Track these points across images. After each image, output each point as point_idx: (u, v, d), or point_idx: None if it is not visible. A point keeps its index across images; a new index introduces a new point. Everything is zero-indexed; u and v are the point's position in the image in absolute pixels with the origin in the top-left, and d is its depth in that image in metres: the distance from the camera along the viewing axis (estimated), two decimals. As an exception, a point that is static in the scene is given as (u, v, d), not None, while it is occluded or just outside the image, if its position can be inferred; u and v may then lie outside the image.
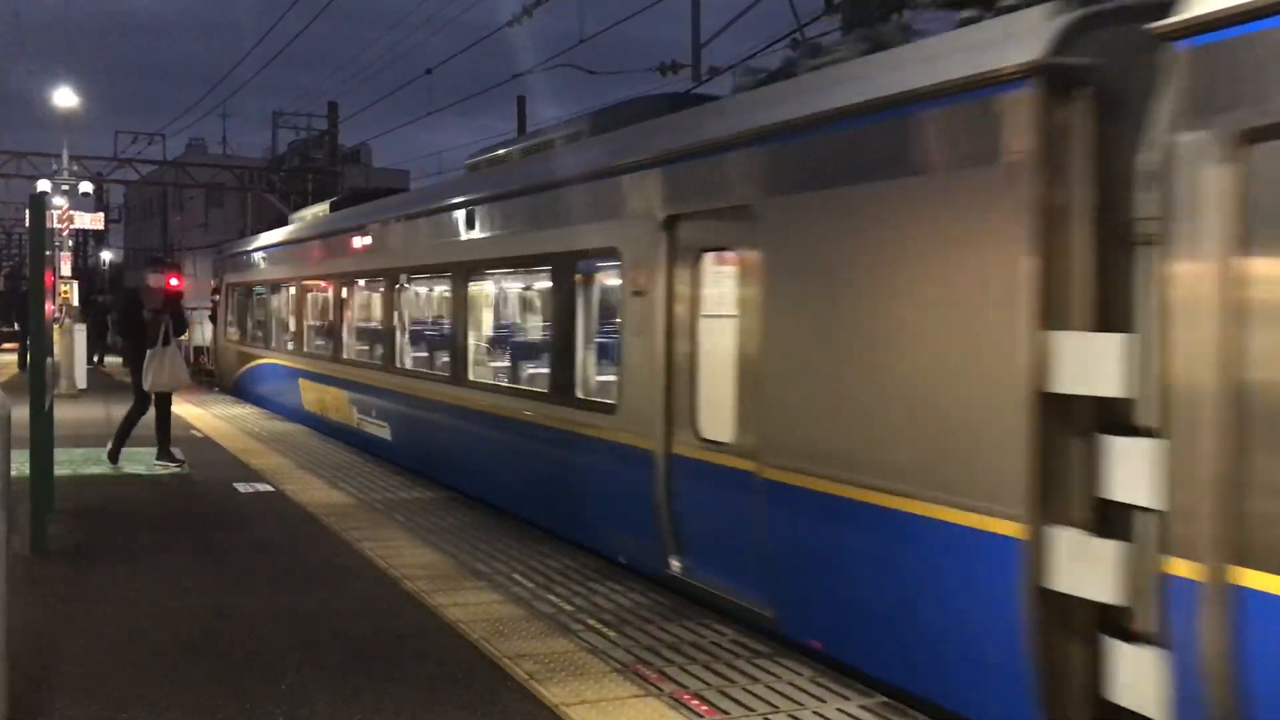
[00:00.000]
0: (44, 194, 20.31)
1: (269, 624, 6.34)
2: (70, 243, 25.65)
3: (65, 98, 26.84)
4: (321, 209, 18.70)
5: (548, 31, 22.91)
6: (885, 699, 5.22)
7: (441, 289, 12.05)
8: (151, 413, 12.04)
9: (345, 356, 14.77)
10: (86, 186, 32.50)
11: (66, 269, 24.19)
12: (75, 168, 30.88)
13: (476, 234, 10.62)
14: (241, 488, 10.91)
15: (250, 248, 21.87)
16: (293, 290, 17.89)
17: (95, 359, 29.85)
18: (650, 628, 6.33)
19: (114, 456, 11.99)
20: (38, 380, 8.31)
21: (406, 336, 12.96)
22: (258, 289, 20.78)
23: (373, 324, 14.78)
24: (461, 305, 10.82)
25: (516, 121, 39.86)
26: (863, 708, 5.13)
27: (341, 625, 6.35)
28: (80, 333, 22.93)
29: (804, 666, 5.67)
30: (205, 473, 11.76)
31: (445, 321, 11.69)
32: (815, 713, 5.06)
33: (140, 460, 12.23)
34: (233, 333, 22.97)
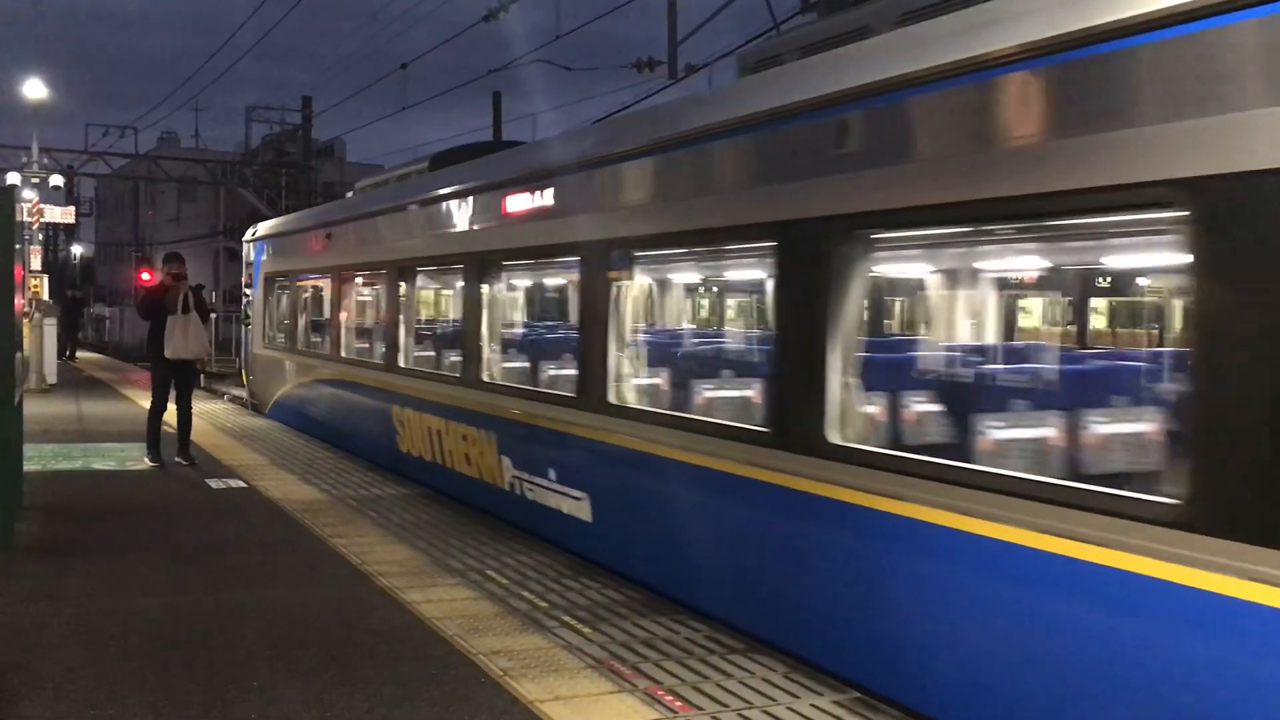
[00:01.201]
0: (13, 187, 20.06)
1: (240, 621, 6.30)
2: (40, 236, 25.32)
3: (35, 89, 26.53)
4: (420, 168, 14.26)
5: (524, 27, 22.83)
6: (858, 694, 5.24)
7: (728, 273, 9.52)
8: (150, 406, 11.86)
9: (491, 378, 9.65)
10: (57, 180, 32.20)
11: (36, 263, 23.90)
12: (45, 160, 30.57)
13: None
14: (214, 484, 10.84)
15: (305, 225, 16.38)
16: (381, 280, 13.03)
17: (66, 354, 29.58)
18: (624, 624, 6.33)
19: (154, 456, 11.80)
20: (6, 375, 8.21)
21: (637, 351, 8.11)
22: (313, 279, 15.84)
23: (547, 331, 12.13)
24: (808, 301, 5.76)
25: (492, 117, 39.76)
26: (836, 703, 5.14)
27: (314, 622, 6.32)
28: (51, 327, 22.70)
29: (777, 663, 5.68)
30: (177, 469, 11.66)
31: (745, 329, 9.02)
32: (789, 708, 5.07)
33: (111, 456, 12.12)
34: (276, 339, 17.57)
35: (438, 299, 16.66)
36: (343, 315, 13.94)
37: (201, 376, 32.23)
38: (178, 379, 11.83)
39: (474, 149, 12.81)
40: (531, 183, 8.95)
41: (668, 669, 5.57)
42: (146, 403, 12.17)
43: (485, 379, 9.62)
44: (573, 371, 8.54)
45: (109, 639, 5.95)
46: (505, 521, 9.00)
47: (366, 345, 14.00)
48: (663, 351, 9.33)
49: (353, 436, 13.25)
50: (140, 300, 12.33)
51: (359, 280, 14.17)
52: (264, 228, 19.21)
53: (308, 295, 16.57)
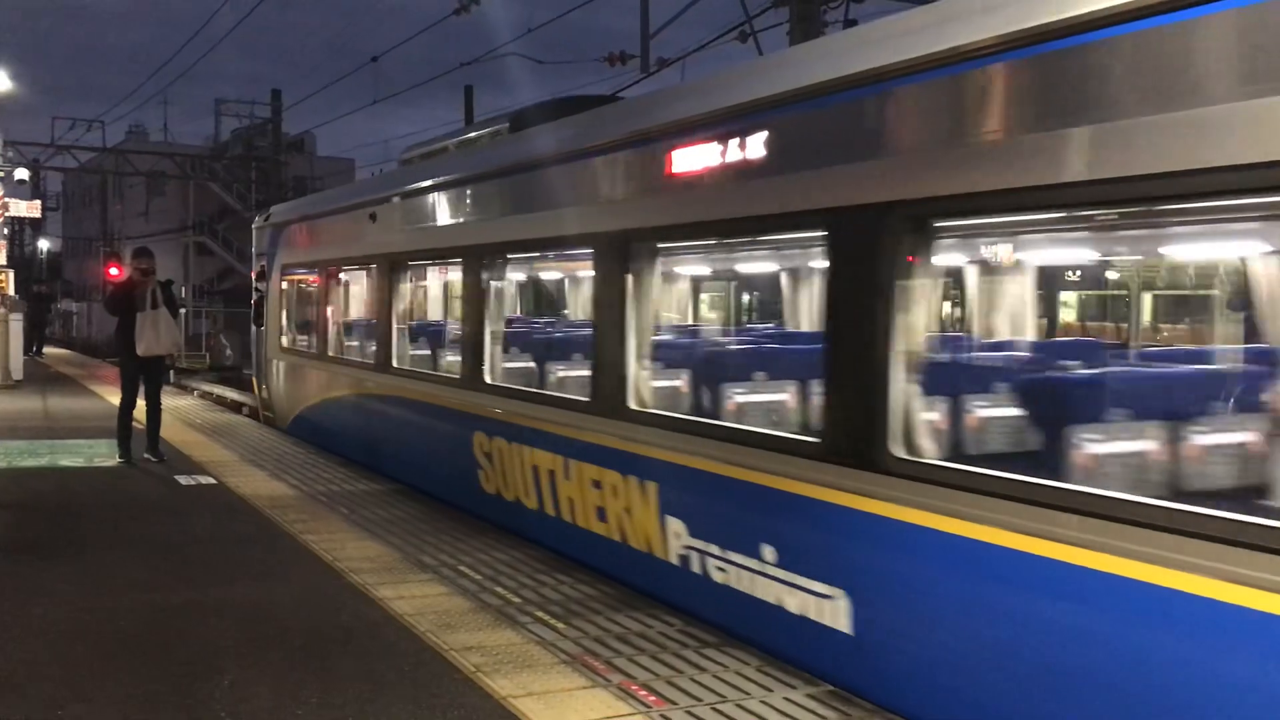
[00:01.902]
0: (-22, 181, 19.84)
1: (210, 618, 6.24)
2: (6, 231, 25.02)
3: (-1, 82, 26.19)
4: (495, 130, 10.49)
5: (496, 20, 22.75)
6: (831, 688, 5.25)
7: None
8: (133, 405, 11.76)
9: (642, 405, 6.99)
10: (22, 173, 31.84)
11: (2, 258, 23.63)
12: (10, 154, 30.23)
13: None
14: (183, 480, 10.74)
15: (338, 205, 13.45)
16: (452, 271, 11.48)
17: (33, 350, 29.27)
18: (598, 619, 6.32)
19: (124, 453, 11.64)
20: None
21: (958, 370, 6.80)
22: (351, 271, 13.37)
23: (756, 341, 9.65)
24: None
25: (464, 111, 39.62)
26: (809, 696, 5.15)
27: (284, 619, 6.27)
28: (17, 323, 22.44)
29: (751, 656, 5.68)
30: (146, 465, 11.55)
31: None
32: (762, 701, 5.07)
33: (79, 452, 11.99)
34: (298, 342, 15.01)
35: (541, 295, 14.66)
36: (395, 315, 11.12)
37: (171, 373, 32.07)
38: (147, 375, 11.71)
39: (577, 103, 9.66)
40: (732, 126, 6.04)
41: (642, 664, 5.56)
42: (115, 398, 12.06)
43: (634, 406, 6.93)
44: (803, 401, 6.69)
45: (76, 637, 5.88)
46: (668, 603, 6.53)
47: (430, 353, 11.56)
48: (1001, 373, 6.54)
49: (408, 465, 10.75)
50: (108, 296, 12.21)
51: (418, 271, 11.92)
52: (281, 211, 16.27)
53: (343, 290, 13.82)
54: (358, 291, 13.78)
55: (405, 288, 11.51)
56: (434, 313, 13.83)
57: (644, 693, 5.15)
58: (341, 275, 13.54)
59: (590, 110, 8.59)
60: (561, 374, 9.10)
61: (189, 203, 56.92)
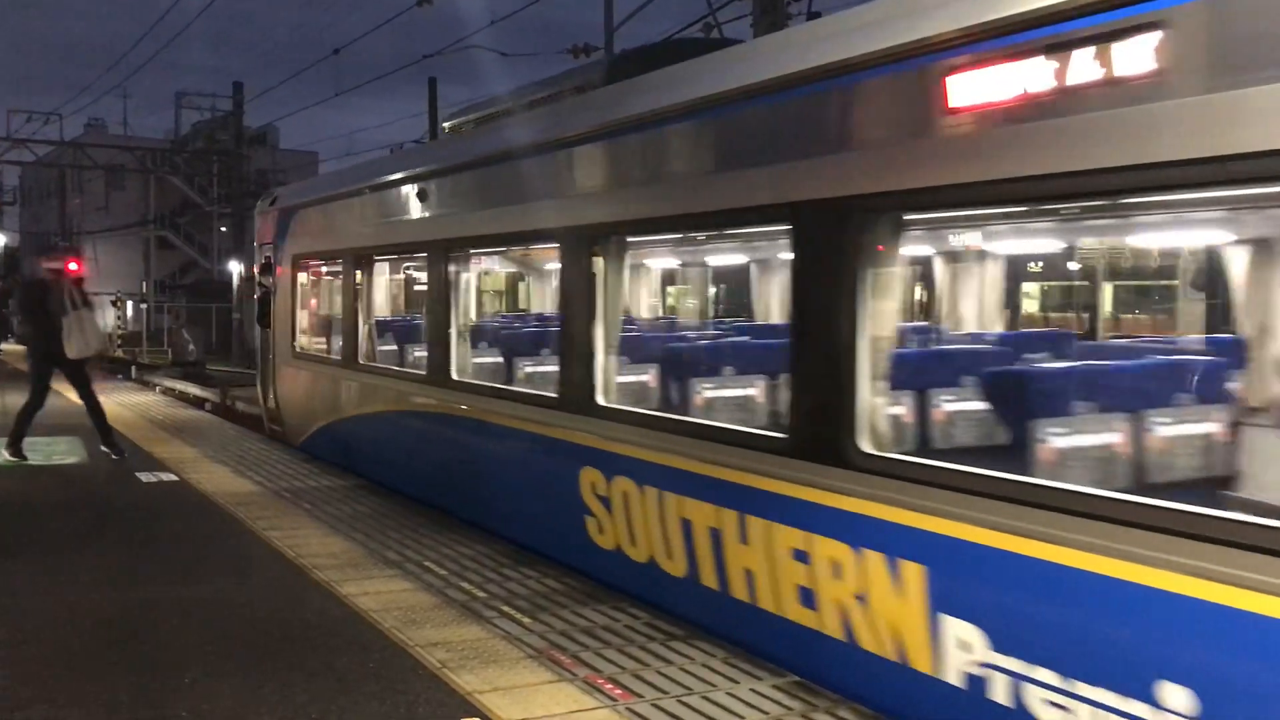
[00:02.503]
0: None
1: (173, 616, 6.18)
2: (-39, 226, 24.65)
3: (-46, 75, 25.78)
4: (582, 82, 8.48)
5: (460, 12, 22.63)
6: (798, 679, 5.26)
7: None
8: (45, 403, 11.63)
9: (878, 448, 4.99)
10: (-22, 167, 31.33)
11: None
12: (-35, 148, 29.74)
13: None
14: (145, 477, 10.62)
15: (371, 182, 10.98)
16: (540, 259, 10.40)
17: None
18: (564, 613, 6.30)
19: (15, 449, 11.52)
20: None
21: None
22: (387, 260, 11.84)
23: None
24: None
25: (428, 103, 39.36)
26: (775, 688, 5.16)
27: (248, 616, 6.21)
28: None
29: (717, 648, 5.69)
30: (106, 462, 11.42)
31: None
32: (729, 693, 5.08)
33: (38, 450, 11.83)
34: (317, 346, 13.26)
35: (693, 288, 11.97)
36: (455, 314, 9.11)
37: (134, 369, 31.70)
38: (74, 377, 11.57)
39: (697, 45, 8.13)
40: None
41: (608, 657, 5.56)
42: (73, 394, 11.91)
43: (871, 450, 4.95)
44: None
45: (37, 637, 5.80)
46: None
47: (504, 362, 9.48)
48: None
49: (473, 501, 8.70)
50: (20, 300, 12.14)
51: (483, 260, 10.37)
52: (290, 192, 14.20)
53: (378, 283, 11.95)
54: (397, 284, 12.69)
55: (466, 280, 9.46)
56: (507, 311, 12.23)
57: (610, 686, 5.15)
58: (375, 266, 11.45)
59: (721, 52, 6.79)
60: (722, 397, 6.97)
61: (150, 197, 56.32)
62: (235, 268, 43.81)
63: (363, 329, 11.22)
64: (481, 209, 8.71)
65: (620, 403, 7.05)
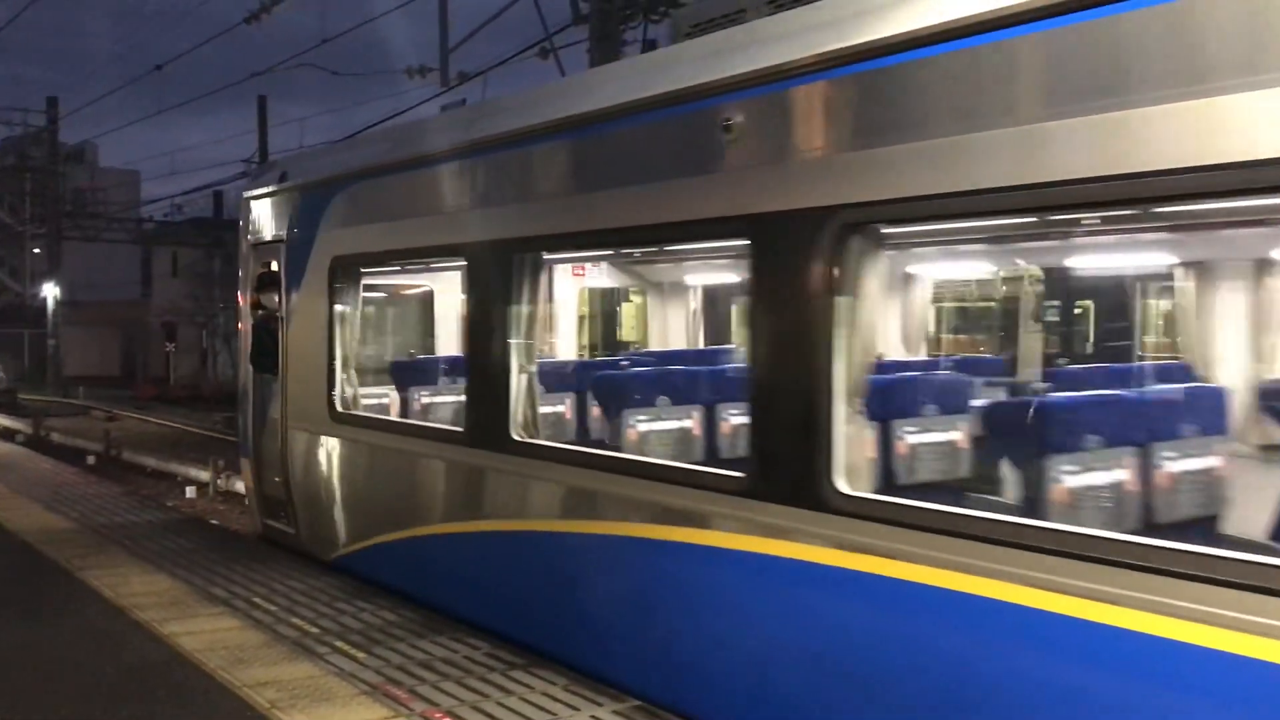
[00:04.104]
0: None
1: (-26, 667, 5.78)
2: None
3: None
4: None
5: (290, 29, 22.13)
6: (638, 703, 5.26)
7: None
8: None
9: None
10: None
11: None
12: None
13: None
14: (-55, 516, 9.95)
15: (554, 117, 6.07)
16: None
17: None
18: (401, 645, 6.15)
19: None
20: None
21: None
22: (592, 254, 8.67)
23: None
24: None
25: (258, 121, 38.31)
26: (616, 713, 5.14)
27: (64, 661, 5.86)
28: None
29: (559, 676, 5.64)
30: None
31: None
32: (569, 722, 5.04)
33: None
34: (379, 403, 9.03)
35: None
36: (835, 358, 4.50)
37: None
38: None
39: None
40: None
41: (446, 690, 5.44)
42: None
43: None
44: None
45: None
46: None
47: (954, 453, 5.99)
48: None
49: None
50: None
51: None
52: (330, 159, 9.36)
53: (563, 302, 9.30)
54: (597, 302, 9.04)
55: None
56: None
57: (448, 719, 5.05)
58: (555, 272, 8.44)
59: None
60: None
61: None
62: (50, 290, 41.63)
63: (519, 379, 6.24)
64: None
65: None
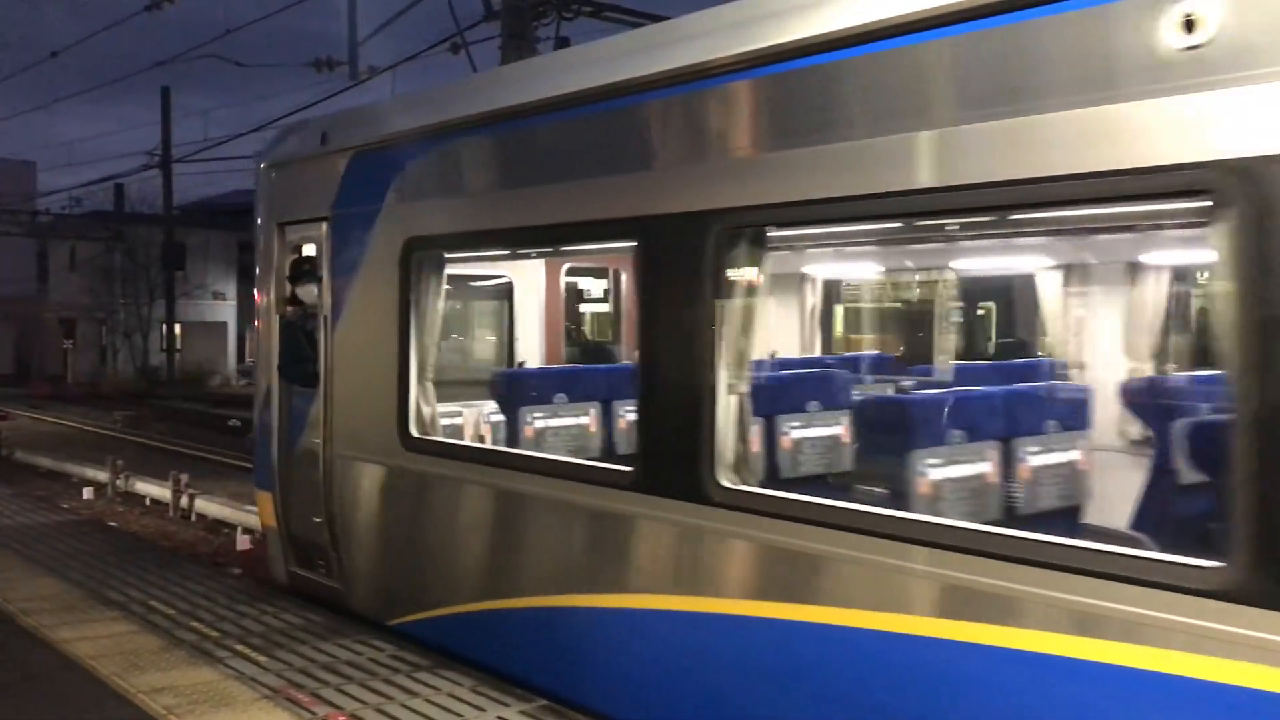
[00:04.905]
0: None
1: None
2: None
3: None
4: None
5: (193, 19, 21.61)
6: (545, 703, 5.23)
7: None
8: None
9: None
10: None
11: None
12: None
13: None
14: None
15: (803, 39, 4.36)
16: None
17: None
18: (304, 649, 6.04)
19: None
20: None
21: None
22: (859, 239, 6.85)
23: None
24: None
25: (161, 113, 37.37)
26: (522, 714, 5.11)
27: (-57, 671, 5.64)
28: None
29: (465, 677, 5.59)
30: None
31: None
32: (475, 723, 5.00)
33: None
34: (474, 428, 7.57)
35: None
36: None
37: None
38: None
39: None
40: None
41: (350, 693, 5.36)
42: None
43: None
44: None
45: None
46: None
47: None
48: None
49: None
50: None
51: None
52: (397, 117, 6.86)
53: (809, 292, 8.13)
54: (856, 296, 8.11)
55: None
56: None
57: (351, 723, 4.96)
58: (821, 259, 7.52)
59: None
60: None
61: None
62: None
63: (726, 398, 4.60)
64: None
65: None
